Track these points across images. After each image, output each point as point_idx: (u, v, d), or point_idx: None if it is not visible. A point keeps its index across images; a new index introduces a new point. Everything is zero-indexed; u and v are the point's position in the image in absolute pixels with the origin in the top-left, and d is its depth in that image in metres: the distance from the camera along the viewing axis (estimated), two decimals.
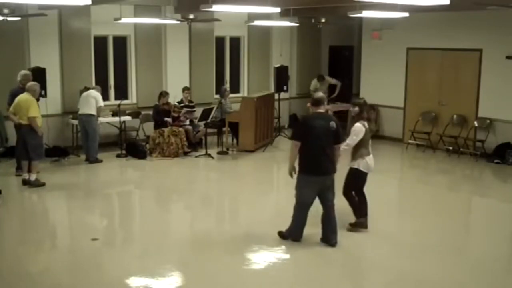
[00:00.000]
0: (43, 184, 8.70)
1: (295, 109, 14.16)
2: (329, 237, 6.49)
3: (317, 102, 6.40)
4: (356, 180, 6.91)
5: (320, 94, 6.61)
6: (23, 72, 9.36)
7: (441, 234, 7.03)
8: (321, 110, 6.43)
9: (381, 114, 13.16)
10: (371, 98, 13.16)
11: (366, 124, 6.77)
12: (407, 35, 12.35)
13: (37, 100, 8.87)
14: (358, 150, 6.77)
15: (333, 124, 6.30)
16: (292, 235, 6.59)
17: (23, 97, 8.58)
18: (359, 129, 6.71)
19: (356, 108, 6.86)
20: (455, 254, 6.47)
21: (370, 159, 6.86)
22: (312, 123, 6.36)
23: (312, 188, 6.34)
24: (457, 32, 11.46)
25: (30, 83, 8.76)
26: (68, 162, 10.37)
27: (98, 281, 5.60)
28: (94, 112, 10.18)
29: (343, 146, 6.54)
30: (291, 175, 6.46)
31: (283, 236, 6.64)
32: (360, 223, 7.00)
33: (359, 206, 7.04)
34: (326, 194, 6.42)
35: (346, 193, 6.99)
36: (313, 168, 6.29)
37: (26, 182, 8.71)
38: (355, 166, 6.84)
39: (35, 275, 5.77)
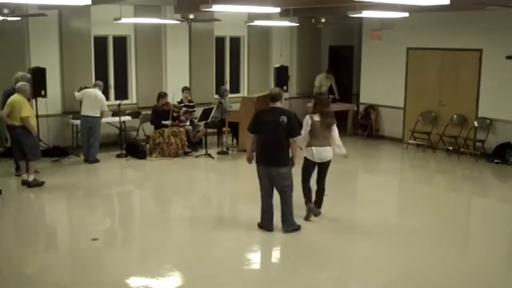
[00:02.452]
0: (42, 183, 8.70)
1: (295, 109, 14.08)
2: (282, 224, 6.80)
3: (273, 98, 6.73)
4: (302, 167, 7.18)
5: (276, 89, 6.96)
6: (19, 73, 9.36)
7: (441, 234, 7.03)
8: (277, 105, 6.69)
9: (381, 114, 13.17)
10: (371, 98, 13.32)
11: (315, 116, 7.11)
12: (407, 35, 12.35)
13: (29, 100, 8.85)
14: (309, 140, 7.12)
15: (283, 118, 6.54)
16: (262, 222, 6.87)
17: (14, 98, 8.54)
18: (305, 120, 7.13)
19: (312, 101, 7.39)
20: (455, 254, 6.47)
21: (317, 149, 7.12)
22: (261, 117, 6.72)
23: (264, 177, 6.70)
24: (457, 32, 11.46)
25: (20, 84, 8.72)
26: (68, 162, 10.37)
27: (98, 281, 5.60)
28: (99, 113, 10.23)
29: (299, 137, 6.79)
30: (248, 161, 6.85)
31: (261, 226, 6.87)
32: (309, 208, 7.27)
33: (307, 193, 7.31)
34: (275, 184, 6.70)
35: (301, 180, 7.25)
36: (261, 159, 6.69)
37: (25, 183, 8.71)
38: (303, 154, 7.20)
39: (35, 275, 5.77)
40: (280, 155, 6.61)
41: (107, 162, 10.39)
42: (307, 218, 7.18)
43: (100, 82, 10.56)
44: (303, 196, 7.23)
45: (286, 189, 6.72)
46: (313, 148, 7.13)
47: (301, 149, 7.25)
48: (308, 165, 7.21)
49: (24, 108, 8.48)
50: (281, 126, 6.52)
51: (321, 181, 7.25)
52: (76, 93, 10.42)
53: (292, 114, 6.75)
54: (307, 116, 7.19)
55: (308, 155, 7.17)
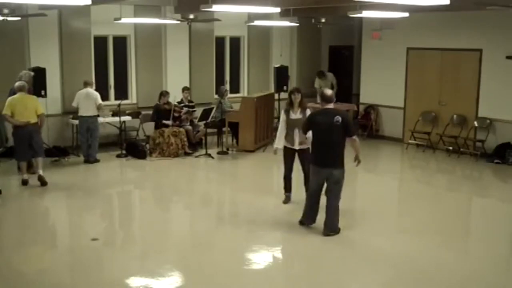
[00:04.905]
0: (46, 183, 8.71)
1: None
2: (324, 226, 6.79)
3: (327, 99, 6.80)
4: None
5: (329, 91, 6.98)
6: (22, 72, 9.36)
7: (441, 234, 7.03)
8: (329, 106, 6.77)
9: (381, 114, 13.17)
10: (371, 98, 13.31)
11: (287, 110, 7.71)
12: (407, 35, 12.35)
13: None
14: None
15: (338, 118, 6.59)
16: (304, 219, 7.04)
17: (25, 96, 8.60)
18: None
19: None
20: (455, 254, 6.47)
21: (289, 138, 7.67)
22: (315, 119, 6.87)
23: (316, 177, 6.82)
24: (457, 32, 11.46)
25: (21, 83, 8.76)
26: (68, 162, 10.37)
27: (98, 281, 5.60)
28: (96, 112, 10.24)
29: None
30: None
31: (302, 222, 7.06)
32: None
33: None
34: (328, 186, 6.80)
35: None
36: (316, 160, 6.82)
37: (25, 183, 8.72)
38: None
39: (35, 275, 5.77)
40: (334, 157, 6.66)
41: (107, 162, 10.39)
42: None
43: (89, 80, 10.49)
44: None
45: (337, 190, 6.76)
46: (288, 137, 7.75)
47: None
48: (284, 154, 7.80)
49: (39, 105, 8.73)
50: (335, 127, 6.57)
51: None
52: (73, 104, 10.38)
53: (346, 114, 6.90)
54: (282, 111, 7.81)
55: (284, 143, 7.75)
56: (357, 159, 6.87)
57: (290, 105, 7.69)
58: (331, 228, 6.75)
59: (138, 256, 6.33)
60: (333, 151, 6.64)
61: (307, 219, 7.01)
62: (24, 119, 8.56)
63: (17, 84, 8.79)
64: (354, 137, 6.72)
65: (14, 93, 8.89)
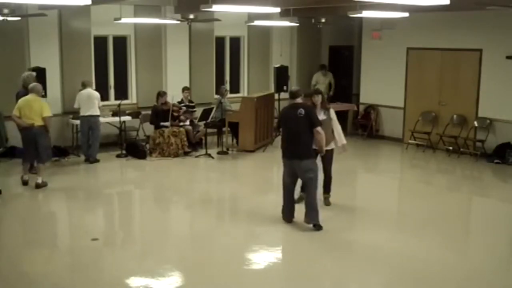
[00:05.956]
0: (46, 184, 8.71)
1: None
2: (306, 217, 6.92)
3: (292, 95, 7.04)
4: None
5: (296, 87, 7.28)
6: (25, 74, 9.35)
7: (441, 234, 7.03)
8: (297, 101, 6.96)
9: (381, 114, 13.17)
10: (371, 98, 13.32)
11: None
12: (407, 35, 12.35)
13: None
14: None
15: (301, 111, 6.80)
16: (283, 215, 7.17)
17: (32, 98, 8.52)
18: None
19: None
20: (455, 254, 6.48)
21: None
22: (283, 114, 7.21)
23: (287, 169, 7.00)
24: (457, 32, 11.46)
25: (34, 84, 8.72)
26: (68, 162, 10.37)
27: (98, 281, 5.60)
28: (98, 112, 10.24)
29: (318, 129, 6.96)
30: None
31: (283, 218, 7.17)
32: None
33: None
34: (301, 178, 7.01)
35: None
36: (284, 152, 7.00)
37: (25, 183, 8.71)
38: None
39: (35, 275, 5.77)
40: (301, 148, 6.81)
41: (107, 162, 10.38)
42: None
43: (88, 80, 10.48)
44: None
45: (310, 181, 6.87)
46: None
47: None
48: None
49: (45, 107, 8.60)
50: (300, 119, 6.74)
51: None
52: (75, 105, 10.38)
53: (310, 107, 7.05)
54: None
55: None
56: (316, 152, 6.93)
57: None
58: (312, 218, 6.86)
59: (138, 256, 6.34)
60: (300, 142, 6.79)
61: (286, 215, 7.11)
62: (29, 120, 8.53)
63: (30, 85, 8.75)
64: (318, 128, 6.79)
65: (23, 95, 8.86)
